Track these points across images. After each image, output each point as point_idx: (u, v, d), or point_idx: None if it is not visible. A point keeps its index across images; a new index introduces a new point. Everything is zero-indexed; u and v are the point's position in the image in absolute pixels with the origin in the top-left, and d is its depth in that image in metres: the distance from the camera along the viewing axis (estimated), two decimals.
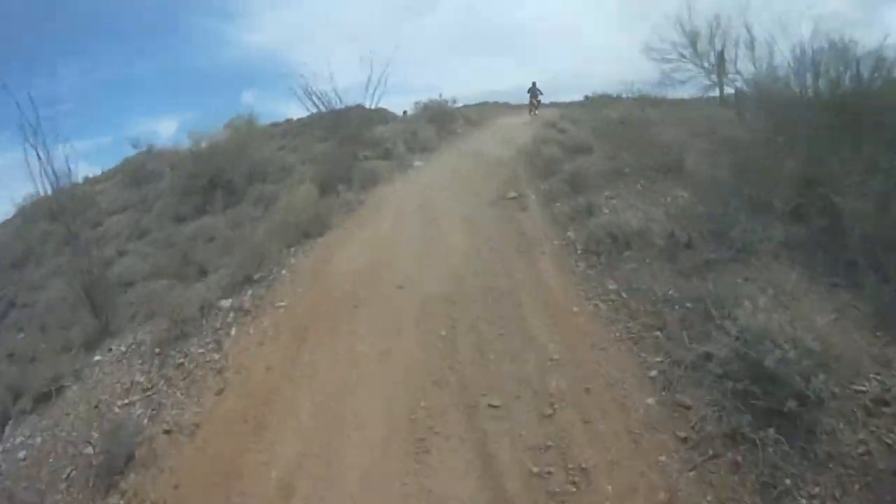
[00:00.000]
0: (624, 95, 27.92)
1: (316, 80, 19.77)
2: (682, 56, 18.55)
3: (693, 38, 17.47)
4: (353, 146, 17.70)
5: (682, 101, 32.93)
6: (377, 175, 13.87)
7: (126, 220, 18.16)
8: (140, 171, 20.25)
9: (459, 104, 24.98)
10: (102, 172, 23.33)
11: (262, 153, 17.85)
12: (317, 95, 19.57)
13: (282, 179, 15.36)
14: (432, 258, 8.54)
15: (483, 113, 28.07)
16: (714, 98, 31.76)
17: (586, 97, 31.61)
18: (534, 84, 23.37)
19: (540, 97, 23.00)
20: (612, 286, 7.01)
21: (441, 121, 22.03)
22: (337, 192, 12.35)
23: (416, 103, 24.02)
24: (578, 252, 8.09)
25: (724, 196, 8.11)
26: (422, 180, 14.09)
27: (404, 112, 25.17)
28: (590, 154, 14.40)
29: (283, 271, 9.03)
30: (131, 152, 21.68)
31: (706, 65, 18.40)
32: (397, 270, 8.23)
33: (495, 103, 30.91)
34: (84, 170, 25.88)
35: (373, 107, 21.79)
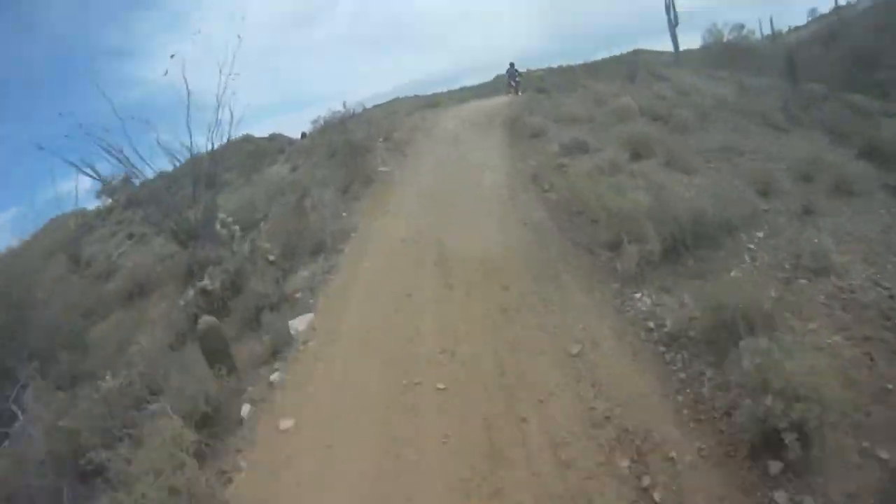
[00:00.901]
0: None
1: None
2: None
3: None
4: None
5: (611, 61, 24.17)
6: None
7: None
8: None
9: (369, 105, 17.81)
10: None
11: None
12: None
13: None
14: None
15: (401, 116, 17.51)
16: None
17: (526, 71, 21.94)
18: (511, 65, 17.52)
19: (518, 79, 17.11)
20: None
21: (349, 151, 11.37)
22: None
23: (315, 121, 15.99)
24: None
25: None
26: None
27: (303, 135, 18.40)
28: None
29: None
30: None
31: None
32: None
33: (406, 98, 23.58)
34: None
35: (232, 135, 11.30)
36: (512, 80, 16.99)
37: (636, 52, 27.73)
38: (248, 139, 23.97)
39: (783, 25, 26.18)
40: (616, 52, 24.70)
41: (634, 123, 10.28)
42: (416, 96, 23.90)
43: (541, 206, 7.13)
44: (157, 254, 12.02)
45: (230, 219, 8.23)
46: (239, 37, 9.76)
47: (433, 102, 21.36)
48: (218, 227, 8.27)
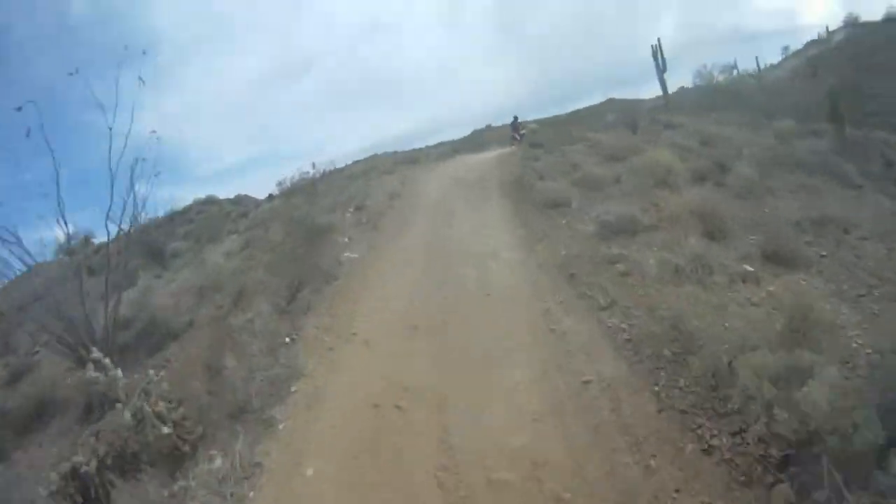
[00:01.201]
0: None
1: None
2: None
3: None
4: None
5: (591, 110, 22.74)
6: None
7: None
8: None
9: (347, 161, 17.05)
10: None
11: None
12: None
13: None
14: None
15: (377, 176, 14.88)
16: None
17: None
18: (515, 118, 17.05)
19: (523, 132, 16.14)
20: None
21: (304, 235, 8.36)
22: None
23: (280, 183, 14.93)
24: None
25: None
26: None
27: (270, 196, 16.39)
28: None
29: None
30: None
31: None
32: None
33: (385, 155, 21.19)
34: None
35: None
36: (516, 132, 16.05)
37: (610, 101, 26.03)
38: (211, 200, 21.06)
39: (753, 64, 24.70)
40: (588, 102, 23.20)
41: (679, 187, 7.60)
42: (395, 152, 21.23)
43: (605, 342, 4.15)
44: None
45: (106, 359, 5.07)
46: (141, 79, 6.92)
47: (413, 158, 18.85)
48: (90, 370, 5.11)
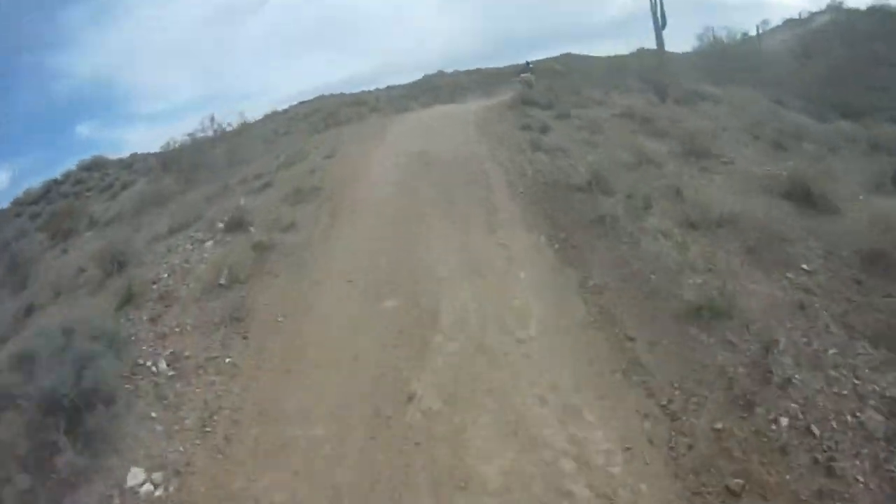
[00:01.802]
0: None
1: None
2: None
3: None
4: None
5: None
6: None
7: None
8: None
9: (294, 102, 14.78)
10: None
11: None
12: None
13: None
14: None
15: (301, 139, 9.37)
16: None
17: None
18: (527, 63, 15.02)
19: (527, 74, 14.01)
20: None
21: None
22: None
23: (167, 145, 10.19)
24: None
25: None
26: None
27: (164, 164, 10.74)
28: None
29: None
30: None
31: None
32: None
33: (332, 97, 17.00)
34: None
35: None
36: (522, 73, 14.20)
37: (567, 56, 20.94)
38: (97, 164, 14.36)
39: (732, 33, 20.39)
40: (542, 55, 19.23)
41: None
42: (342, 94, 17.29)
43: None
44: None
45: None
46: None
47: (360, 101, 14.63)
48: None
